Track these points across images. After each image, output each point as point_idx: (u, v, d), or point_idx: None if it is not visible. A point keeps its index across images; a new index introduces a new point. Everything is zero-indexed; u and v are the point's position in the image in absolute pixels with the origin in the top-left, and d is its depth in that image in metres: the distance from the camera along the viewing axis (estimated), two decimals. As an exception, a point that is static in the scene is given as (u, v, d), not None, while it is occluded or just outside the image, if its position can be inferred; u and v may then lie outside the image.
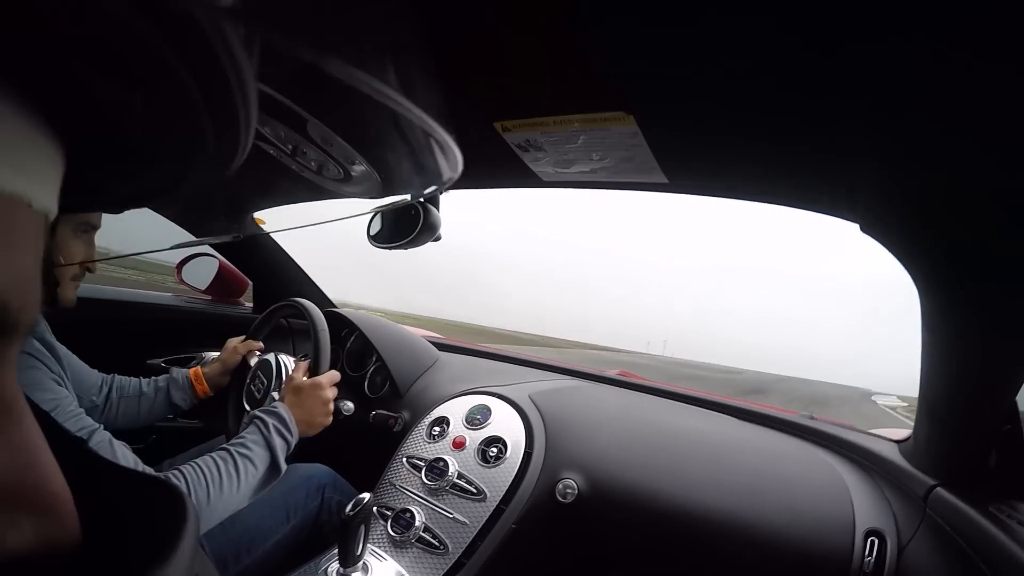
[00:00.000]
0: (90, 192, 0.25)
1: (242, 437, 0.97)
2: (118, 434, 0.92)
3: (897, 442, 1.16)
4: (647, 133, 0.73)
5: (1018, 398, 0.79)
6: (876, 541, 0.94)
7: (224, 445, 0.94)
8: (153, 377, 1.33)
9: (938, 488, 0.91)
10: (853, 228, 0.77)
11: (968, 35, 0.41)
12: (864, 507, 1.01)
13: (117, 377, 1.29)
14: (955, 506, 0.84)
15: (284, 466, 0.99)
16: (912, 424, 1.03)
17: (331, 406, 1.12)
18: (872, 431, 1.29)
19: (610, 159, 0.83)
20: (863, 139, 0.61)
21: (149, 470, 0.86)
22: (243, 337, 1.43)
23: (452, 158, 0.39)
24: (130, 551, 0.25)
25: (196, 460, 0.89)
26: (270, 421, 1.00)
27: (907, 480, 1.01)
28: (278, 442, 0.98)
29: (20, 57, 0.17)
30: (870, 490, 1.07)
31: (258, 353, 1.42)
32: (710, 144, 0.75)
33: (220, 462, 0.90)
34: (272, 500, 1.14)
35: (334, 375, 1.17)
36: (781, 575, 0.99)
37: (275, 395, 1.26)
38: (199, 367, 1.37)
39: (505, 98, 0.74)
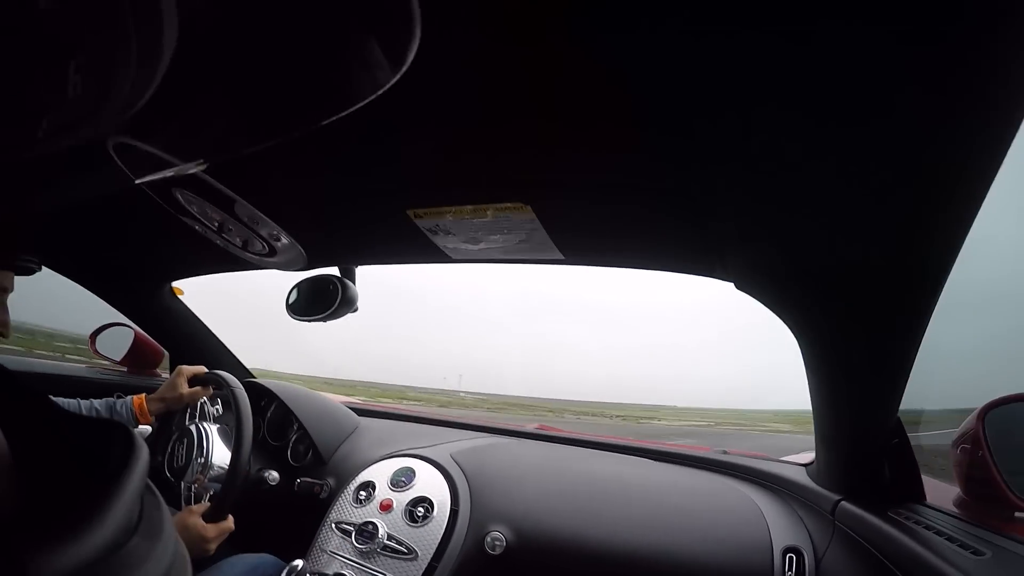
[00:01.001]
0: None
1: None
2: None
3: (804, 465, 1.25)
4: (542, 218, 0.82)
5: (900, 413, 0.88)
6: (794, 557, 1.01)
7: None
8: (93, 402, 1.27)
9: (843, 502, 0.99)
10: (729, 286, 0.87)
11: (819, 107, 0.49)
12: (779, 527, 1.08)
13: (54, 400, 1.22)
14: (859, 516, 0.92)
15: None
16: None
17: (209, 552, 1.11)
18: (781, 458, 1.39)
19: (511, 241, 0.91)
20: (729, 223, 0.71)
21: None
22: (191, 372, 1.38)
23: None
24: (76, 481, 0.25)
25: None
26: None
27: (815, 498, 1.10)
28: None
29: None
30: (783, 511, 1.14)
31: (199, 404, 1.40)
32: (597, 227, 0.84)
33: None
34: None
35: (225, 527, 1.14)
36: None
37: (184, 484, 1.25)
38: (144, 397, 1.31)
39: (417, 190, 0.81)
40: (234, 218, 1.00)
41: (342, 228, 1.03)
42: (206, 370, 1.40)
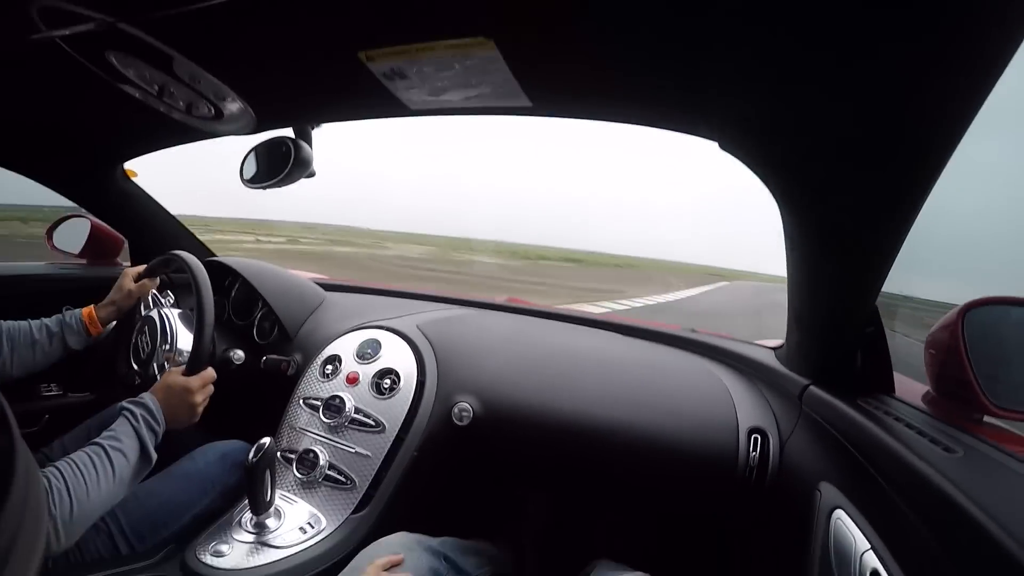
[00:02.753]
0: None
1: (112, 430, 0.94)
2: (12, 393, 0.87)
3: (773, 349, 1.25)
4: (508, 58, 0.74)
5: (878, 302, 0.85)
6: (759, 438, 1.02)
7: (96, 439, 0.91)
8: (43, 320, 1.25)
9: (811, 387, 0.98)
10: (713, 145, 0.80)
11: None
12: (746, 408, 1.09)
13: (4, 324, 1.20)
14: (828, 402, 0.91)
15: (154, 455, 0.97)
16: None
17: (199, 409, 1.09)
18: (750, 341, 1.39)
19: (474, 85, 0.84)
20: (716, 68, 0.64)
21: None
22: (137, 272, 1.35)
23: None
24: None
25: (70, 456, 0.86)
26: (139, 412, 0.98)
27: (783, 381, 1.10)
28: (147, 433, 0.96)
29: None
30: (750, 393, 1.15)
31: (152, 295, 1.37)
32: (569, 69, 0.77)
33: (94, 456, 0.87)
34: (189, 475, 1.12)
35: (208, 375, 1.12)
36: (674, 476, 1.07)
37: (155, 364, 1.23)
38: (92, 307, 1.29)
39: (368, 28, 0.73)
40: (174, 78, 0.93)
41: (291, 82, 0.95)
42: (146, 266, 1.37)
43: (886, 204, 0.64)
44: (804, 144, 0.66)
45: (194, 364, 1.11)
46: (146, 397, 1.02)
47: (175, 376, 1.08)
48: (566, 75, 0.79)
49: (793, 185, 0.75)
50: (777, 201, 0.80)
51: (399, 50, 0.77)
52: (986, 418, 0.80)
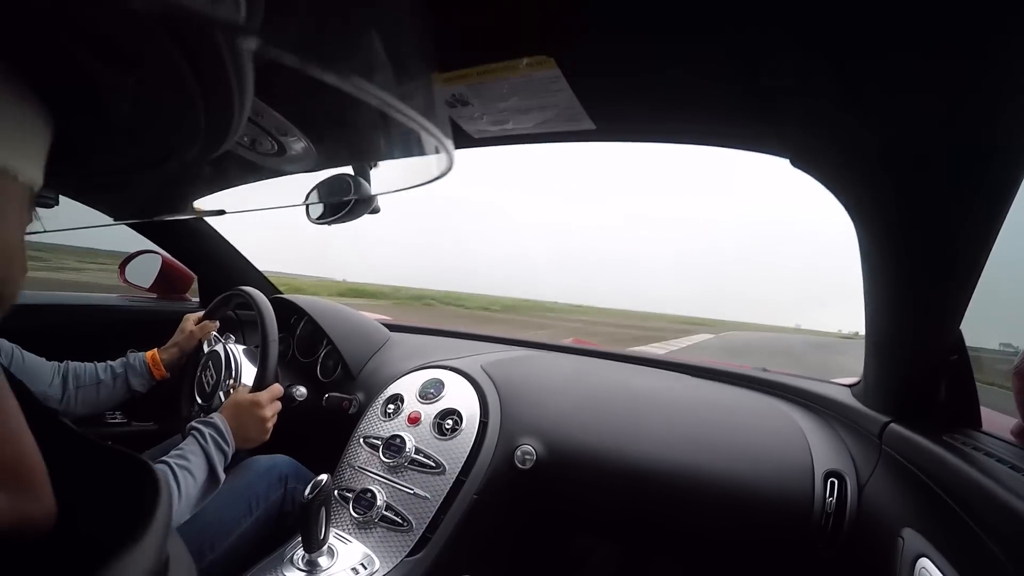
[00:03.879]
0: (76, 166, 0.26)
1: (181, 448, 0.94)
2: (78, 423, 0.88)
3: (849, 386, 1.17)
4: (569, 76, 0.71)
5: (963, 328, 0.79)
6: (836, 482, 0.95)
7: (163, 458, 0.91)
8: (108, 362, 1.28)
9: (892, 424, 0.92)
10: (784, 163, 0.76)
11: None
12: (821, 450, 1.02)
13: (71, 364, 1.24)
14: (910, 439, 0.84)
15: (223, 476, 0.96)
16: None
17: (268, 424, 1.09)
18: (824, 379, 1.31)
19: (534, 108, 0.82)
20: (790, 74, 0.59)
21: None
22: (199, 316, 1.39)
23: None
24: (103, 527, 0.25)
25: None
26: (207, 432, 0.98)
27: (861, 420, 1.03)
28: (215, 453, 0.96)
29: (13, 32, 0.17)
30: (826, 434, 1.08)
31: (213, 336, 1.39)
32: (633, 87, 0.73)
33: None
34: (233, 492, 1.11)
35: (276, 390, 1.13)
36: (746, 522, 1.00)
37: (221, 395, 1.24)
38: (156, 351, 1.32)
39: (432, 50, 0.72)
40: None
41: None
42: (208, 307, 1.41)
43: (970, 218, 0.60)
44: (886, 155, 0.61)
45: (261, 379, 1.12)
46: (215, 417, 1.02)
47: (242, 393, 1.08)
48: (628, 92, 0.75)
49: (872, 201, 0.70)
50: (853, 220, 0.75)
51: (459, 74, 0.75)
52: None
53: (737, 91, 0.68)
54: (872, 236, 0.75)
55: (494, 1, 0.59)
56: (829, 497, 0.94)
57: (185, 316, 1.39)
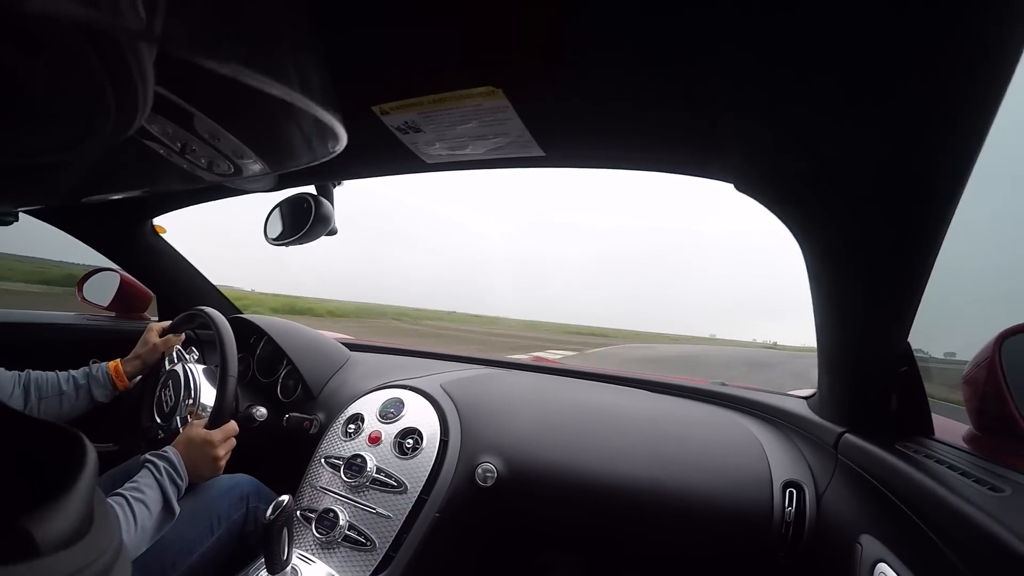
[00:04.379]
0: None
1: (135, 481, 0.94)
2: None
3: (805, 398, 1.21)
4: (517, 106, 0.73)
5: (911, 340, 0.82)
6: (794, 492, 0.97)
7: (119, 490, 0.90)
8: (71, 372, 1.26)
9: (846, 434, 0.94)
10: (728, 188, 0.79)
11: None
12: (779, 461, 1.05)
13: (32, 374, 1.21)
14: (864, 449, 0.86)
15: (177, 509, 0.96)
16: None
17: (221, 463, 1.09)
18: (781, 392, 1.34)
19: (485, 136, 0.83)
20: (731, 104, 0.62)
21: None
22: (163, 327, 1.38)
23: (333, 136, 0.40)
24: (23, 488, 0.27)
25: None
26: (162, 465, 0.98)
27: (817, 431, 1.05)
28: (169, 486, 0.96)
29: None
30: (784, 445, 1.11)
31: (176, 351, 1.37)
32: (580, 116, 0.76)
33: (117, 508, 0.86)
34: (195, 512, 1.09)
35: (230, 428, 1.12)
36: (707, 534, 1.02)
37: (179, 417, 1.23)
38: (119, 361, 1.31)
39: (380, 81, 0.73)
40: (195, 136, 0.93)
41: None
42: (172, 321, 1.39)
43: (913, 230, 0.62)
44: (826, 175, 0.64)
45: (216, 418, 1.10)
46: (169, 451, 1.01)
47: (197, 429, 1.07)
48: (576, 121, 0.78)
49: (815, 223, 0.73)
50: (799, 241, 0.78)
51: (411, 102, 0.76)
52: None
53: (681, 121, 0.71)
54: (817, 257, 0.77)
55: (442, 33, 0.60)
56: (788, 507, 0.96)
57: (148, 326, 1.37)
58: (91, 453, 0.29)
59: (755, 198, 0.76)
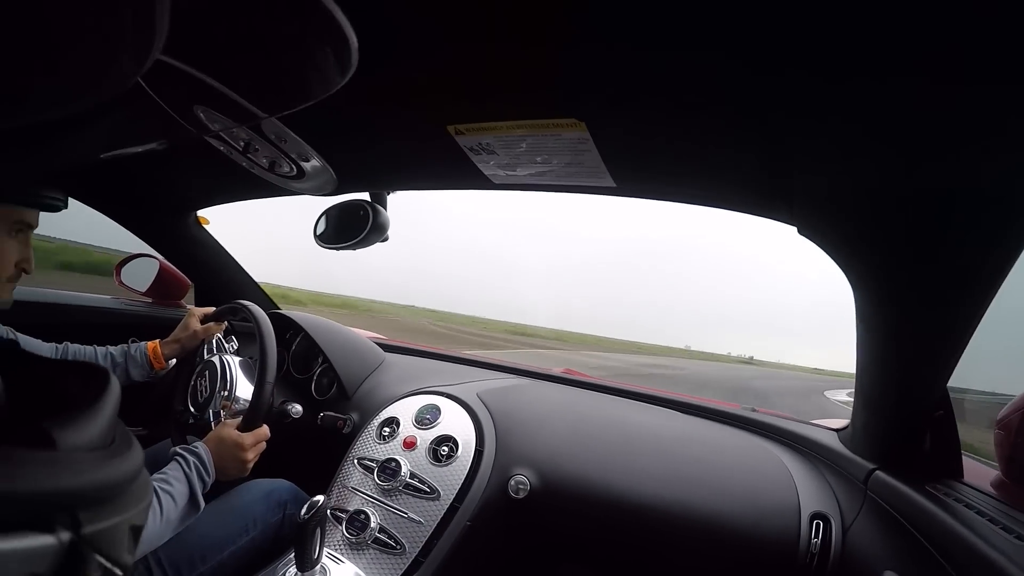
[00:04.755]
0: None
1: (164, 472, 0.95)
2: None
3: (836, 430, 1.21)
4: (597, 140, 0.75)
5: (949, 385, 0.83)
6: (821, 524, 0.98)
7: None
8: (108, 348, 1.28)
9: (877, 471, 0.95)
10: (792, 230, 0.80)
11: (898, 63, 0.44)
12: (808, 492, 1.05)
13: (71, 347, 1.24)
14: (894, 487, 0.88)
15: (202, 503, 0.98)
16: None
17: (248, 466, 1.09)
18: (812, 421, 1.35)
19: (559, 163, 0.85)
20: (801, 150, 0.64)
21: None
22: (203, 313, 1.39)
23: None
24: (53, 408, 0.28)
25: None
26: (192, 460, 0.99)
27: (847, 465, 1.06)
28: (197, 481, 0.97)
29: None
30: (813, 476, 1.11)
31: (216, 339, 1.39)
32: (654, 152, 0.77)
33: None
34: (231, 511, 1.12)
35: (261, 433, 1.13)
36: (732, 560, 1.02)
37: (211, 411, 1.24)
38: (158, 342, 1.32)
39: (459, 102, 0.74)
40: (260, 136, 0.95)
41: (375, 148, 0.97)
42: (215, 309, 1.40)
43: (962, 283, 0.64)
44: (887, 228, 0.66)
45: (250, 419, 1.11)
46: (199, 447, 1.03)
47: (229, 430, 1.08)
48: (651, 158, 0.79)
49: (872, 268, 0.74)
50: (852, 284, 0.80)
51: (490, 126, 0.78)
52: None
53: (753, 167, 0.73)
54: (870, 302, 0.79)
55: (528, 62, 0.62)
56: (814, 538, 0.96)
57: (190, 311, 1.39)
58: (114, 384, 0.31)
59: (816, 242, 0.78)
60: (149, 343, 1.32)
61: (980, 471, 0.90)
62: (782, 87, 0.55)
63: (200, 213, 1.65)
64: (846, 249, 0.76)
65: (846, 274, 0.79)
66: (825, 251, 0.78)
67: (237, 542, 1.09)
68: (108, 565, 0.26)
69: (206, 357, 1.35)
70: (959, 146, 0.51)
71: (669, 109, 0.66)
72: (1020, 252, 0.58)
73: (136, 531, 0.29)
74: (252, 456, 1.09)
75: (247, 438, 1.08)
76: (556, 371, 1.77)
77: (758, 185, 0.79)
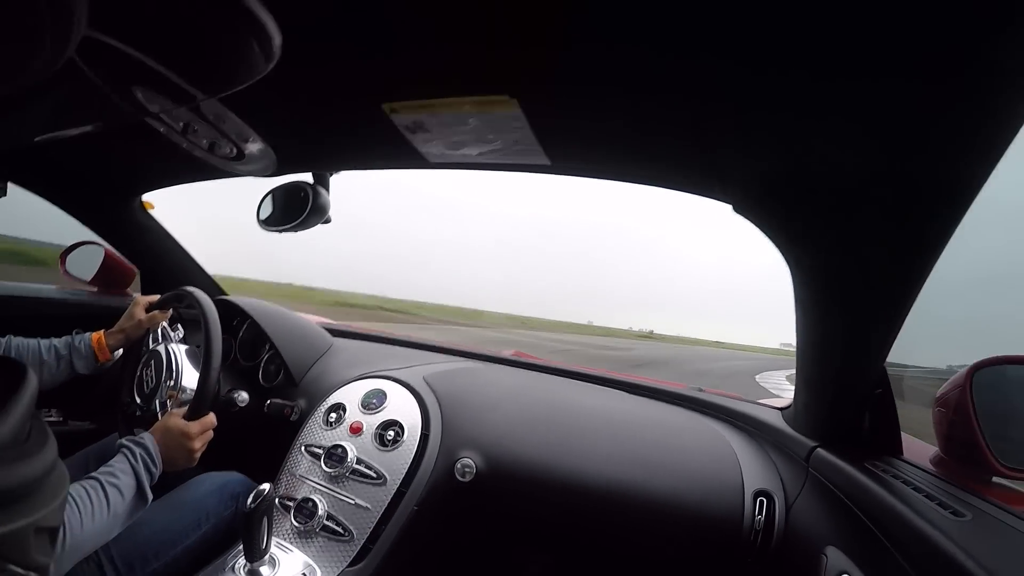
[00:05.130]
0: None
1: (110, 465, 0.93)
2: None
3: (780, 409, 1.24)
4: (530, 117, 0.75)
5: (887, 363, 0.85)
6: (765, 501, 1.00)
7: (93, 473, 0.90)
8: (52, 341, 1.24)
9: (818, 449, 0.98)
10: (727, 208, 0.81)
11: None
12: (752, 470, 1.07)
13: (13, 341, 1.19)
14: (835, 464, 0.90)
15: (150, 495, 0.95)
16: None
17: (195, 455, 1.07)
18: (758, 401, 1.37)
19: (494, 141, 0.85)
20: (732, 132, 0.65)
21: None
22: (148, 301, 1.35)
23: None
24: None
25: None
26: (138, 451, 0.97)
27: (790, 443, 1.09)
28: (144, 473, 0.95)
29: None
30: (757, 454, 1.14)
31: (161, 328, 1.35)
32: (588, 132, 0.78)
33: (90, 489, 0.86)
34: (183, 506, 1.10)
35: (208, 422, 1.10)
36: (679, 537, 1.04)
37: (158, 401, 1.21)
38: (102, 333, 1.28)
39: (393, 80, 0.74)
40: (199, 117, 0.93)
41: (314, 129, 0.96)
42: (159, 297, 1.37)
43: (897, 263, 0.65)
44: (817, 203, 0.67)
45: (197, 408, 1.09)
46: (145, 437, 1.00)
47: (175, 419, 1.06)
48: (584, 136, 0.80)
49: (805, 246, 0.76)
50: (788, 264, 0.81)
51: (423, 104, 0.77)
52: (995, 479, 0.80)
53: (685, 146, 0.74)
54: (805, 283, 0.80)
55: (462, 41, 0.61)
56: (758, 515, 0.99)
57: (135, 299, 1.35)
58: (31, 380, 0.32)
59: (751, 220, 0.78)
60: (94, 334, 1.28)
61: (920, 449, 0.92)
62: (706, 75, 0.56)
63: (145, 197, 1.61)
64: (779, 229, 0.76)
65: (781, 253, 0.79)
66: (760, 229, 0.78)
67: (190, 537, 1.07)
68: (19, 571, 0.25)
69: (151, 346, 1.32)
70: (889, 132, 0.52)
71: (598, 92, 0.66)
72: (952, 234, 0.58)
73: (52, 532, 0.28)
74: (199, 445, 1.07)
75: (193, 427, 1.06)
76: (505, 354, 1.77)
77: (692, 167, 0.80)
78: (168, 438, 1.03)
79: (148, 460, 0.97)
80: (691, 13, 0.48)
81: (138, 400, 1.27)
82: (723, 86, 0.57)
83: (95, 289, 1.80)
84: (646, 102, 0.66)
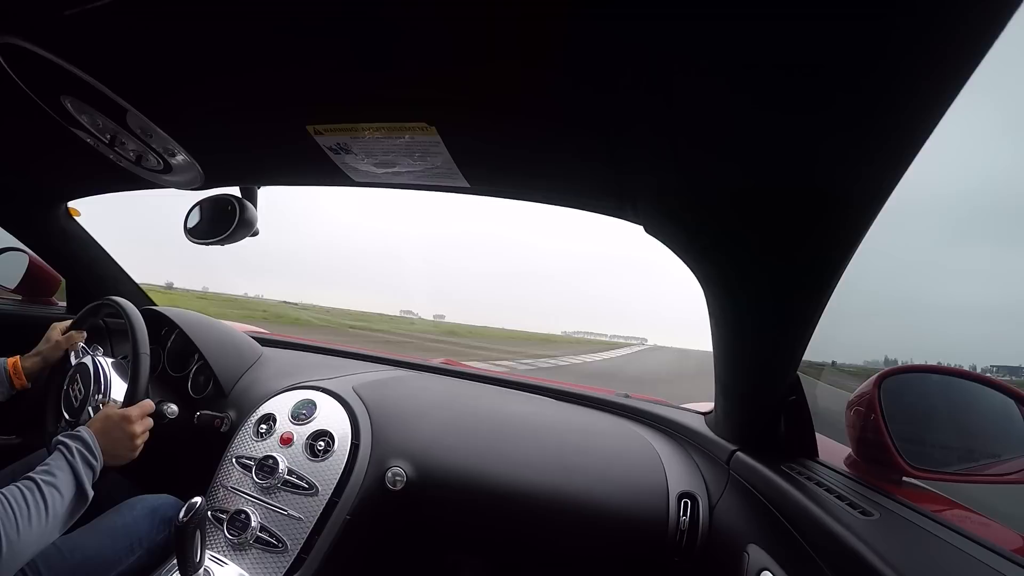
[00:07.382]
0: None
1: (47, 464, 0.89)
2: None
3: (704, 414, 1.28)
4: (447, 142, 0.78)
5: (800, 372, 0.90)
6: (689, 502, 1.04)
7: (29, 474, 0.87)
8: None
9: (738, 452, 1.02)
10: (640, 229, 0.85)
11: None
12: (676, 473, 1.11)
13: None
14: (753, 467, 0.94)
15: (91, 492, 0.92)
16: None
17: (138, 441, 1.05)
18: (682, 406, 1.42)
19: (416, 164, 0.87)
20: (637, 159, 0.69)
21: None
22: (65, 326, 1.31)
23: None
24: None
25: (1, 491, 0.81)
26: (75, 446, 0.93)
27: (712, 447, 1.13)
28: (83, 468, 0.92)
29: None
30: (681, 458, 1.18)
31: (82, 347, 1.32)
32: (505, 157, 0.81)
33: (26, 492, 0.83)
34: (115, 530, 1.06)
35: (146, 406, 1.10)
36: (606, 539, 1.07)
37: (90, 410, 1.18)
38: (18, 358, 1.24)
39: (317, 104, 0.76)
40: (126, 130, 0.93)
41: (241, 145, 0.97)
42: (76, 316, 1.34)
43: (803, 279, 0.68)
44: (720, 222, 0.70)
45: (132, 393, 1.09)
46: (83, 430, 0.97)
47: (112, 408, 1.04)
48: (501, 161, 0.83)
49: (713, 267, 0.79)
50: (701, 284, 0.84)
51: (345, 127, 0.80)
52: (906, 479, 0.84)
53: (598, 171, 0.77)
54: (717, 298, 0.84)
55: (384, 70, 0.64)
56: (683, 516, 1.02)
57: (52, 325, 1.31)
58: None
59: (662, 241, 0.82)
60: (9, 360, 1.24)
61: (836, 450, 0.98)
62: (596, 101, 0.59)
63: (71, 205, 1.56)
64: (689, 249, 0.80)
65: (693, 272, 0.83)
66: (672, 250, 0.82)
67: (123, 562, 1.04)
68: None
69: (75, 362, 1.28)
70: (782, 153, 0.54)
71: (515, 119, 0.69)
72: (857, 247, 0.60)
73: None
74: (140, 429, 1.05)
75: (132, 410, 1.05)
76: (435, 362, 1.78)
77: (606, 190, 0.83)
78: (107, 426, 1.01)
79: (87, 454, 0.94)
80: (591, 46, 0.51)
81: (66, 416, 1.23)
82: (628, 115, 0.60)
83: (19, 297, 1.74)
84: (559, 133, 0.70)
